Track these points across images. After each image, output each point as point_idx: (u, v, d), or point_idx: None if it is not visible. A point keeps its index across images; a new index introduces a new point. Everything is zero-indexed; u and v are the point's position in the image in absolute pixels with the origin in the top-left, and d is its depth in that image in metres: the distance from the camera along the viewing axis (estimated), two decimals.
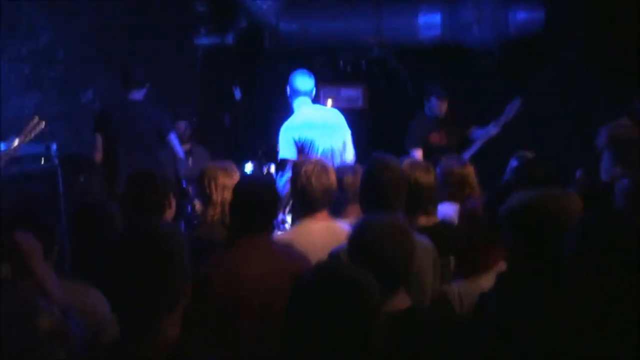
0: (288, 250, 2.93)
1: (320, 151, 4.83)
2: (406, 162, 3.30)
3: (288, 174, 4.84)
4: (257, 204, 2.84)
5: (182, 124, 6.38)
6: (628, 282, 1.71)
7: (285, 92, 5.09)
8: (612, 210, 2.70)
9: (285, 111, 5.53)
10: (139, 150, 5.30)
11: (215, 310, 2.66)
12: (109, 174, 5.34)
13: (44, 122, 4.55)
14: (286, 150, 4.83)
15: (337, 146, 4.97)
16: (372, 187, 3.10)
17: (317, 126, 4.96)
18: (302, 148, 4.90)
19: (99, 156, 5.33)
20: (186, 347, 1.84)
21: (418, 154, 5.91)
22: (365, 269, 2.12)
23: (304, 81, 5.02)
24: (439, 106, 5.96)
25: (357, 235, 2.37)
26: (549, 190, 2.18)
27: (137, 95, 5.43)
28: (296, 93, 5.02)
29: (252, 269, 2.73)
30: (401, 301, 2.29)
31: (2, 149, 5.65)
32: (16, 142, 4.48)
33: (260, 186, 2.95)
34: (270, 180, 3.16)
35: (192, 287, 1.88)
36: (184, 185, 5.31)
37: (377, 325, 1.72)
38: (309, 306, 1.71)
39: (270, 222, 2.94)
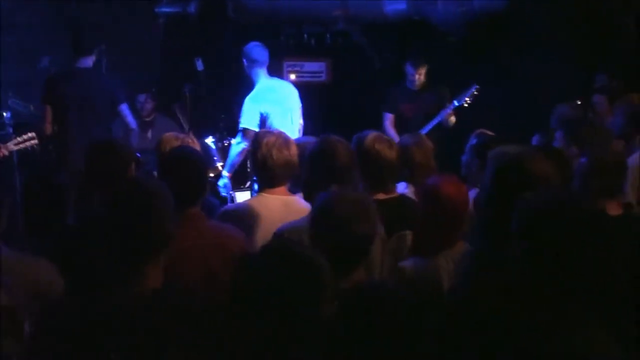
0: (222, 226, 2.88)
1: (281, 124, 4.83)
2: (370, 136, 3.26)
3: (244, 144, 4.84)
4: (186, 177, 2.75)
5: (141, 97, 6.26)
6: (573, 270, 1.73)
7: (246, 64, 5.09)
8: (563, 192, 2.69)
9: (247, 84, 5.47)
10: (90, 120, 5.12)
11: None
12: (60, 145, 5.18)
13: (37, 142, 4.77)
14: (249, 120, 4.89)
15: (296, 119, 5.03)
16: (321, 163, 3.07)
17: (279, 99, 5.02)
18: (264, 120, 4.90)
19: (48, 128, 5.15)
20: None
21: (389, 118, 5.97)
22: (330, 245, 2.13)
23: (261, 52, 5.09)
24: (413, 74, 5.92)
25: (321, 212, 2.33)
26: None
27: (86, 62, 5.24)
28: (255, 64, 5.06)
29: (188, 242, 2.63)
30: (359, 276, 2.28)
31: None
32: (9, 147, 4.70)
33: (187, 159, 2.87)
34: (197, 153, 3.09)
35: None
36: (138, 156, 5.23)
37: (325, 305, 1.72)
38: (256, 288, 1.70)
39: (199, 196, 2.82)
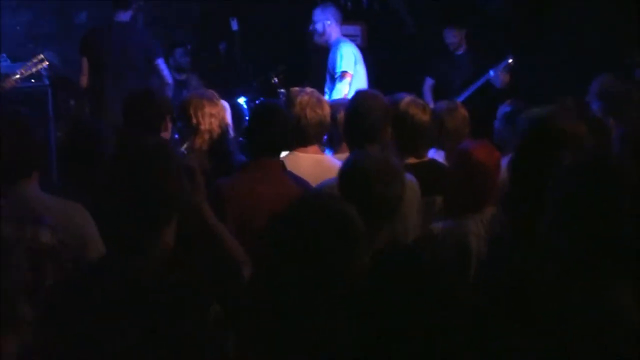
0: (296, 176, 2.97)
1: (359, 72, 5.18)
2: (404, 100, 3.24)
3: (347, 88, 5.02)
4: (271, 128, 2.89)
5: (178, 52, 6.26)
6: (614, 227, 1.70)
7: (319, 27, 5.27)
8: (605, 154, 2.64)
9: (284, 46, 5.50)
10: (126, 74, 5.16)
11: (232, 227, 2.68)
12: (96, 98, 5.22)
13: (47, 63, 4.68)
14: (348, 63, 5.12)
15: None
16: (354, 121, 3.11)
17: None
18: (354, 64, 5.18)
19: (84, 80, 5.21)
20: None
21: (429, 83, 5.95)
22: (355, 204, 2.12)
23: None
24: (450, 37, 5.84)
25: (349, 170, 2.35)
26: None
27: (124, 16, 5.26)
28: (338, 21, 5.33)
29: (264, 189, 2.80)
30: (387, 238, 2.29)
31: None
32: (17, 75, 4.60)
33: (278, 110, 3.00)
34: (285, 109, 3.17)
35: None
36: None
37: (362, 259, 1.71)
38: (292, 240, 1.68)
39: (283, 147, 3.02)
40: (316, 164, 3.19)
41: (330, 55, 5.24)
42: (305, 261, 1.68)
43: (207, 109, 3.45)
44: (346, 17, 6.96)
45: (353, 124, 3.11)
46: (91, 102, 5.30)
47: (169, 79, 5.37)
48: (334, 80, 5.16)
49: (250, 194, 2.82)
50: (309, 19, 5.82)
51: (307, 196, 1.93)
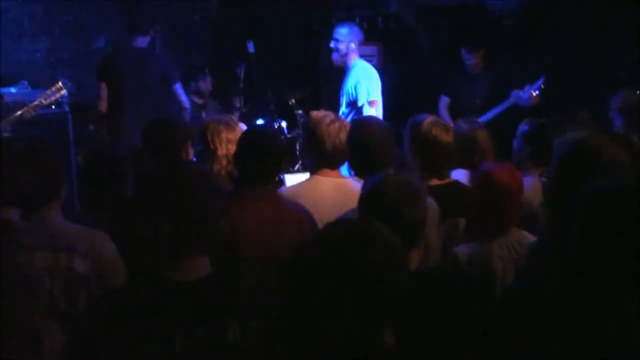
0: (292, 203, 2.93)
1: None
2: (427, 120, 3.23)
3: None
4: (263, 154, 2.82)
5: (197, 76, 6.27)
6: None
7: (342, 47, 5.14)
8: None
9: (299, 67, 5.48)
10: (145, 99, 5.16)
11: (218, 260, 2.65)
12: (115, 123, 5.22)
13: (65, 90, 4.67)
14: (377, 93, 5.06)
15: None
16: (356, 151, 3.12)
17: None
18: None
19: (103, 105, 5.19)
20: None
21: (445, 101, 5.91)
22: None
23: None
24: (469, 59, 5.84)
25: (371, 195, 2.32)
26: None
27: (142, 42, 5.28)
28: (361, 43, 5.22)
29: (257, 219, 2.73)
30: (414, 262, 2.27)
31: (13, 91, 5.70)
32: (37, 103, 4.63)
33: (267, 137, 2.94)
34: (276, 132, 3.16)
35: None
36: None
37: (404, 283, 1.69)
38: (332, 263, 1.63)
39: (275, 174, 2.96)
40: (337, 188, 3.18)
41: (351, 79, 5.13)
42: (352, 285, 1.63)
43: (224, 135, 3.50)
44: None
45: (355, 154, 3.13)
46: (109, 128, 5.29)
47: (186, 104, 5.39)
48: (352, 105, 5.08)
49: (251, 220, 2.74)
50: (324, 40, 5.84)
51: (342, 222, 1.91)
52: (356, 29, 5.24)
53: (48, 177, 2.40)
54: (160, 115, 4.96)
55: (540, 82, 5.36)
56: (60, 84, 4.73)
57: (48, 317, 2.05)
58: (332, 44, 5.21)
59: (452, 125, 3.51)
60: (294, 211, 2.84)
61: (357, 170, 3.21)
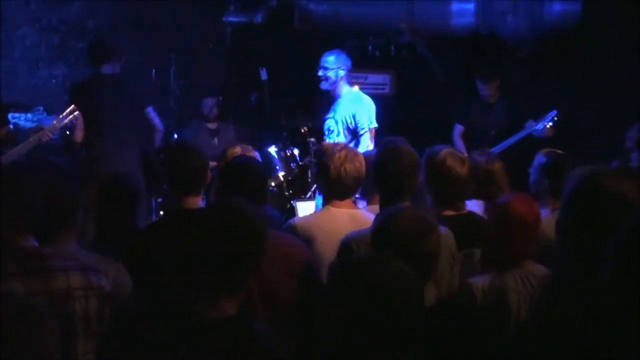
0: (285, 236, 2.89)
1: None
2: (442, 152, 3.22)
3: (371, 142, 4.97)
4: (244, 183, 2.79)
5: (209, 101, 6.33)
6: None
7: (331, 75, 5.14)
8: None
9: (312, 93, 5.49)
10: (121, 125, 5.08)
11: None
12: (94, 152, 5.11)
13: (79, 113, 4.75)
14: (374, 119, 5.06)
15: None
16: (382, 174, 3.08)
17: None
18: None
19: (79, 135, 5.06)
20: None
21: (459, 130, 5.94)
22: None
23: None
24: (483, 89, 5.86)
25: (381, 228, 2.33)
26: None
27: (109, 68, 5.21)
28: (349, 71, 5.21)
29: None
30: (430, 297, 2.26)
31: (28, 117, 5.75)
32: (52, 125, 4.73)
33: (249, 167, 2.90)
34: (256, 160, 3.12)
35: None
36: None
37: (420, 316, 1.70)
38: (353, 297, 1.68)
39: (262, 202, 2.87)
40: (351, 219, 3.16)
41: (348, 107, 5.11)
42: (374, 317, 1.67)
43: None
44: (374, 65, 7.04)
45: (382, 176, 3.09)
46: (90, 157, 5.17)
47: (159, 126, 5.37)
48: (352, 133, 5.06)
49: None
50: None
51: (361, 259, 1.92)
52: (344, 57, 5.22)
53: (64, 204, 2.41)
54: (139, 140, 5.10)
55: (552, 115, 5.37)
56: (73, 106, 4.78)
57: (84, 339, 2.05)
58: (320, 72, 5.19)
59: (466, 155, 3.49)
60: (286, 245, 2.77)
61: (381, 196, 3.15)
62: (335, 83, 5.16)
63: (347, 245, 2.80)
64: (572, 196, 2.06)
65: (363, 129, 5.02)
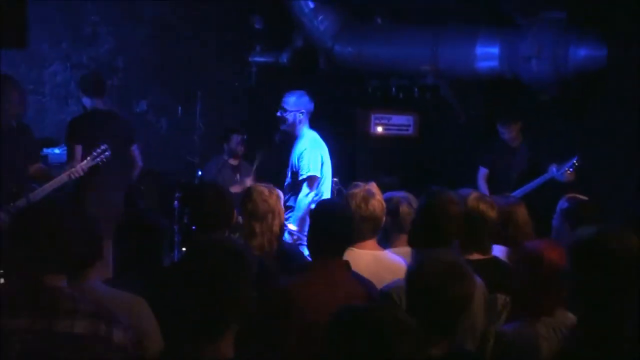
0: (360, 276, 2.91)
1: (328, 171, 5.01)
2: (472, 195, 3.22)
3: (313, 193, 4.84)
4: (333, 229, 2.84)
5: (235, 138, 6.40)
6: None
7: (289, 117, 5.01)
8: None
9: (336, 135, 5.51)
10: (116, 159, 5.02)
11: (296, 330, 2.67)
12: (83, 185, 5.03)
13: (109, 152, 4.84)
14: (315, 167, 4.87)
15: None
16: (430, 221, 3.04)
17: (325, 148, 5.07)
18: (321, 167, 4.96)
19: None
20: None
21: (483, 173, 5.94)
22: (424, 311, 2.09)
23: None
24: (504, 133, 5.87)
25: (418, 275, 2.32)
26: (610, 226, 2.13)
27: (100, 103, 5.26)
28: (310, 114, 5.06)
29: (329, 291, 2.70)
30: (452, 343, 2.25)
31: (57, 152, 5.83)
32: (84, 163, 4.81)
33: (338, 212, 2.95)
34: (347, 206, 3.14)
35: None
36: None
37: None
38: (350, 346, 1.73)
39: (345, 247, 2.91)
40: (375, 261, 3.16)
41: (296, 151, 4.99)
42: None
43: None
44: (397, 106, 7.08)
45: (427, 225, 3.05)
46: (83, 189, 5.11)
47: (140, 163, 5.40)
48: (296, 177, 4.92)
49: (316, 296, 2.71)
50: (361, 109, 5.87)
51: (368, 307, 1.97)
52: (305, 98, 5.05)
53: (94, 242, 2.43)
54: (127, 174, 5.20)
55: (573, 160, 5.37)
56: (104, 146, 4.86)
57: None
58: (279, 113, 5.06)
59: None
60: (362, 288, 2.82)
61: (414, 241, 3.14)
62: (293, 125, 5.02)
63: (388, 295, 2.77)
64: (572, 255, 2.10)
65: (302, 175, 4.86)
